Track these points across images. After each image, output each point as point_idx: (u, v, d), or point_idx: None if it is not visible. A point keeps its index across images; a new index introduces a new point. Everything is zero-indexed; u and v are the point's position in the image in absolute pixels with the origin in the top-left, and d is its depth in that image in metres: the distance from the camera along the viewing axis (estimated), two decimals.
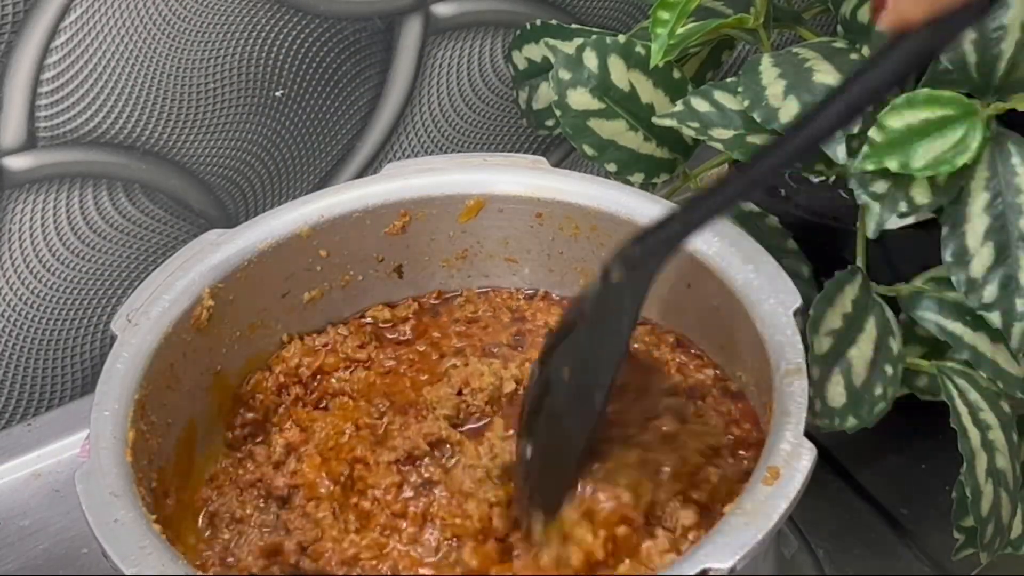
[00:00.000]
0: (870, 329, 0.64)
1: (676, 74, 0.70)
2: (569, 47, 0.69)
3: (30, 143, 0.73)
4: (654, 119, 0.68)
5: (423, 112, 0.84)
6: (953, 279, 0.61)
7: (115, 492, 0.53)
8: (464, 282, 0.70)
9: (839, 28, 0.67)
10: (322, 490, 0.59)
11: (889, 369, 0.64)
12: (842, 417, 0.64)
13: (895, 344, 0.64)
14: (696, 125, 0.66)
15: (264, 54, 0.77)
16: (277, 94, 0.79)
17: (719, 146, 0.65)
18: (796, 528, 0.69)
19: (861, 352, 0.64)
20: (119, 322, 0.61)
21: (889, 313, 0.65)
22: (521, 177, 0.68)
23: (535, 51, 0.77)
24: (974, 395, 0.63)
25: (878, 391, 0.64)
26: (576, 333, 0.55)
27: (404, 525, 0.58)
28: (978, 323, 0.64)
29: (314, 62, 0.79)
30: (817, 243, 0.70)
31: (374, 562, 0.57)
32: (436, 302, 0.70)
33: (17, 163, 0.73)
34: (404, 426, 0.62)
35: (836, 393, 0.63)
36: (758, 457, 0.54)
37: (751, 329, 0.59)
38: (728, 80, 0.67)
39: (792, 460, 0.52)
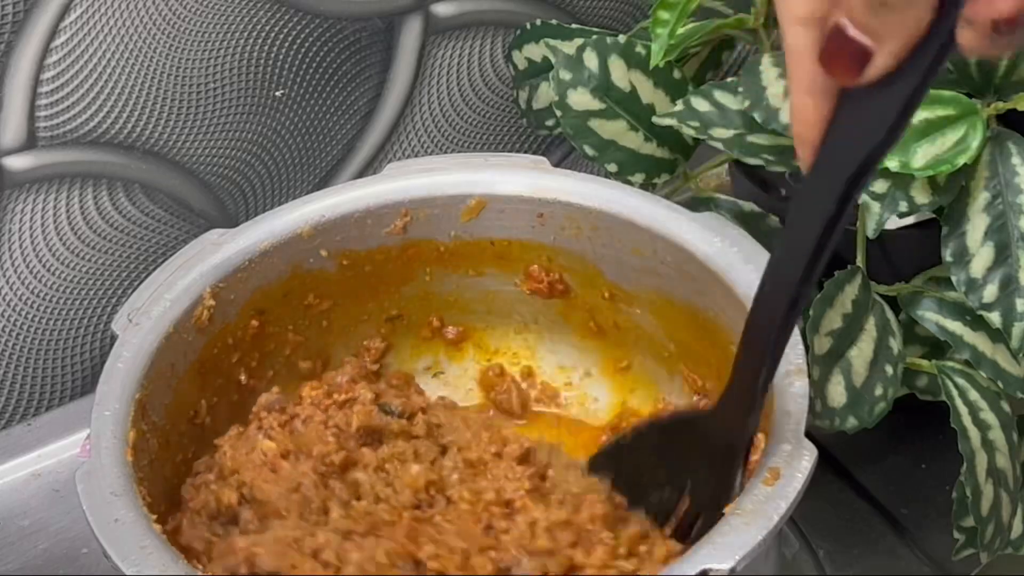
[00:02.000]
0: (870, 329, 0.64)
1: (676, 74, 0.70)
2: (569, 47, 0.69)
3: (30, 143, 0.73)
4: (654, 119, 0.68)
5: (423, 112, 0.84)
6: (953, 279, 0.61)
7: (116, 492, 0.53)
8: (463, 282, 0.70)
9: None
10: None
11: (889, 369, 0.64)
12: (842, 417, 0.64)
13: (895, 344, 0.64)
14: (696, 124, 0.66)
15: (264, 54, 0.77)
16: (277, 94, 0.79)
17: (719, 145, 0.66)
18: (796, 528, 0.69)
19: (861, 352, 0.64)
20: (120, 322, 0.61)
21: (889, 313, 0.65)
22: (522, 177, 0.67)
23: (535, 51, 0.77)
24: (974, 395, 0.63)
25: (878, 391, 0.64)
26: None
27: None
28: (978, 323, 0.64)
29: (314, 62, 0.79)
30: None
31: None
32: None
33: (17, 163, 0.73)
34: None
35: (836, 393, 0.63)
36: None
37: None
38: (728, 80, 0.67)
39: (792, 460, 0.52)
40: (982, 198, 0.61)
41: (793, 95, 0.45)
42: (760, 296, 0.52)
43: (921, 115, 0.61)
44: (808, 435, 0.53)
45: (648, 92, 0.69)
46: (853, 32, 0.42)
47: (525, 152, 0.86)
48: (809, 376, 0.56)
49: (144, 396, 0.58)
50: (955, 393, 0.63)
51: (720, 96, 0.67)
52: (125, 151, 0.76)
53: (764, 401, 0.53)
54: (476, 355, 0.72)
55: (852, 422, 0.64)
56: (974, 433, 0.62)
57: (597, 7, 0.87)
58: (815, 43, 0.43)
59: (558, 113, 0.69)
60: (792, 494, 0.51)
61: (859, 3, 0.41)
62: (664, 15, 0.64)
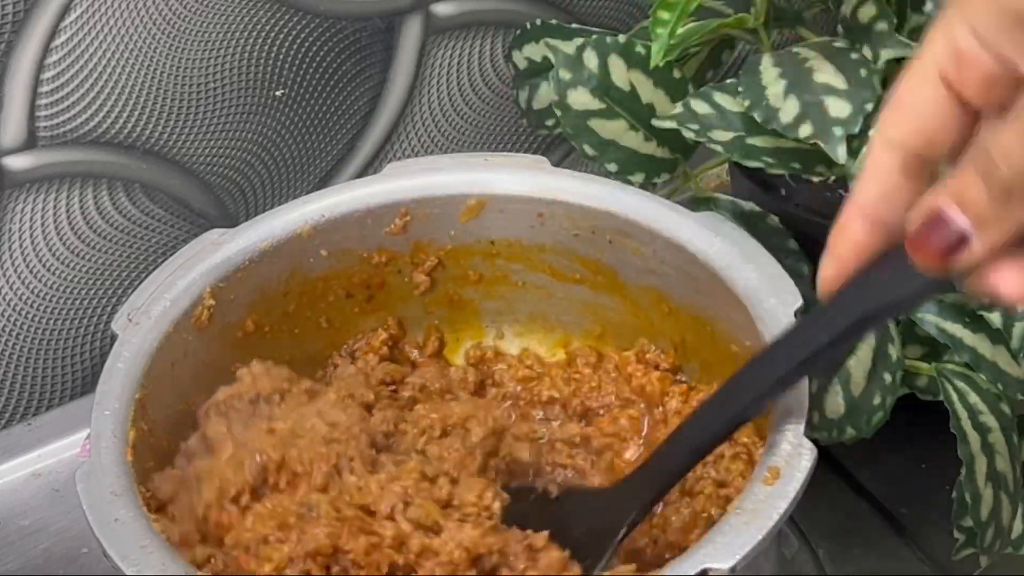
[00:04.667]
0: (869, 337, 0.64)
1: (676, 74, 0.70)
2: (569, 47, 0.69)
3: (30, 143, 0.73)
4: (654, 121, 0.68)
5: (423, 112, 0.84)
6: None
7: (116, 491, 0.53)
8: None
9: (839, 28, 0.68)
10: None
11: (888, 377, 0.64)
12: (840, 429, 0.64)
13: (894, 351, 0.64)
14: (696, 127, 0.66)
15: (264, 54, 0.77)
16: (277, 94, 0.79)
17: (719, 148, 0.65)
18: (796, 528, 0.69)
19: (860, 361, 0.64)
20: (120, 321, 0.61)
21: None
22: (522, 177, 0.67)
23: (535, 51, 0.77)
24: (974, 398, 0.63)
25: (876, 400, 0.64)
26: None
27: None
28: (978, 325, 0.64)
29: (314, 62, 0.79)
30: (818, 243, 0.70)
31: None
32: None
33: (17, 163, 0.73)
34: None
35: (835, 404, 0.63)
36: None
37: (752, 329, 0.59)
38: (728, 81, 0.67)
39: (792, 460, 0.52)
40: None
41: (849, 210, 0.45)
42: (709, 406, 0.54)
43: None
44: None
45: (648, 92, 0.69)
46: (955, 215, 0.40)
47: (525, 152, 0.86)
48: (808, 388, 0.56)
49: (144, 395, 0.58)
50: (955, 397, 0.63)
51: (720, 98, 0.67)
52: (125, 151, 0.76)
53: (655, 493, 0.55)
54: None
55: (850, 432, 0.64)
56: (974, 437, 0.62)
57: (597, 7, 0.87)
58: (896, 169, 0.43)
59: (558, 113, 0.69)
60: (792, 494, 0.51)
61: (977, 191, 0.39)
62: (664, 15, 0.64)
